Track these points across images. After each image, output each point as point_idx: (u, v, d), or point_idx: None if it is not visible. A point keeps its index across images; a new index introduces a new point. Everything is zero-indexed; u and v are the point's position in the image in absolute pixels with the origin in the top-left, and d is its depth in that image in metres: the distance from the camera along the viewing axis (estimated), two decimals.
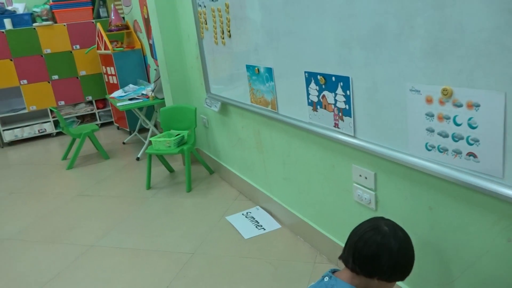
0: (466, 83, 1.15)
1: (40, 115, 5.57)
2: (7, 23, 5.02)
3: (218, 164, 3.46)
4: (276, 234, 2.47)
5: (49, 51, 5.25)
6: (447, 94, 1.21)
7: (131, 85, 4.76)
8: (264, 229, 2.52)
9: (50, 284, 2.21)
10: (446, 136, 1.26)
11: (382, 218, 1.32)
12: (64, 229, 2.85)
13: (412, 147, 1.40)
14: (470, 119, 1.17)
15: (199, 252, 2.36)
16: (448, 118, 1.24)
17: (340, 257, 1.32)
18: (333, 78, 1.70)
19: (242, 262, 2.22)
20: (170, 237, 2.57)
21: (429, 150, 1.33)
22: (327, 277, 1.32)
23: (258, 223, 2.60)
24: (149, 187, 3.41)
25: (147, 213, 2.98)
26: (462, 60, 1.15)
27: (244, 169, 2.98)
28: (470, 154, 1.20)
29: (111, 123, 5.91)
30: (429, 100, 1.29)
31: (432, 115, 1.29)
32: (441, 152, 1.29)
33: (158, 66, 3.85)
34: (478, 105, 1.14)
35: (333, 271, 1.34)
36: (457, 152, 1.24)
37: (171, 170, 3.76)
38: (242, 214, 2.75)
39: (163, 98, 3.92)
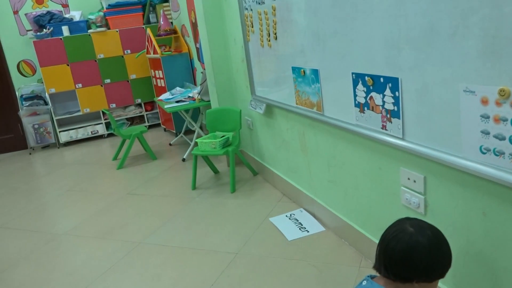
0: None
1: (93, 117, 5.84)
2: (65, 30, 5.32)
3: (262, 166, 3.48)
4: (320, 236, 2.45)
5: (102, 56, 5.51)
6: (504, 94, 1.16)
7: (178, 88, 4.90)
8: (308, 232, 2.51)
9: (102, 278, 2.31)
10: (502, 138, 1.21)
11: (407, 219, 1.27)
12: (115, 226, 2.98)
13: (466, 150, 1.35)
14: None
15: (243, 252, 2.39)
16: (505, 120, 1.19)
17: (374, 267, 1.30)
18: (382, 79, 1.67)
19: (286, 263, 2.22)
20: (215, 237, 2.62)
21: (484, 153, 1.28)
22: (365, 281, 1.30)
23: (302, 225, 2.59)
24: (194, 187, 3.49)
25: (193, 213, 3.05)
26: None
27: (288, 171, 2.98)
28: None
29: (158, 125, 6.10)
30: (484, 101, 1.24)
31: (488, 117, 1.24)
32: (497, 155, 1.24)
33: (204, 69, 3.93)
34: None
35: (373, 277, 1.32)
36: None
37: (216, 171, 3.82)
38: (286, 216, 2.75)
39: (209, 100, 4.00)
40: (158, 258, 2.46)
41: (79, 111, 5.62)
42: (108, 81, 5.62)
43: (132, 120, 6.06)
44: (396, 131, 1.66)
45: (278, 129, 2.96)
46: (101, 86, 5.61)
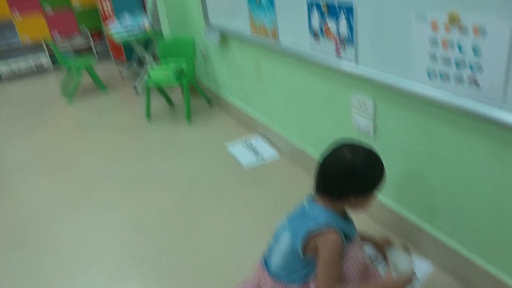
0: (475, 7, 1.13)
1: (35, 48, 5.45)
2: None
3: (217, 96, 3.45)
4: (275, 162, 2.53)
5: None
6: (453, 19, 1.19)
7: (127, 16, 4.62)
8: (263, 158, 2.58)
9: (57, 211, 2.30)
10: (449, 63, 1.25)
11: (344, 145, 1.32)
12: (68, 159, 2.91)
13: (414, 75, 1.39)
14: (474, 45, 1.16)
15: (200, 180, 2.44)
16: (453, 44, 1.22)
17: (313, 189, 1.36)
18: (336, 6, 1.65)
19: (242, 189, 2.30)
20: (171, 166, 2.64)
21: (431, 77, 1.33)
22: (306, 202, 1.37)
23: (258, 151, 2.66)
24: (149, 118, 3.43)
25: (148, 144, 3.03)
26: None
27: (243, 99, 2.99)
28: (472, 80, 1.20)
29: (108, 56, 5.81)
30: (434, 26, 1.26)
31: (437, 42, 1.27)
32: (443, 79, 1.29)
33: None
34: (484, 31, 1.12)
35: (314, 197, 1.38)
36: (459, 79, 1.24)
37: (170, 102, 3.76)
38: (242, 143, 2.80)
39: (161, 30, 3.82)
40: (115, 189, 2.46)
41: (18, 41, 5.21)
42: (49, 9, 5.18)
43: (79, 52, 5.72)
44: (350, 57, 1.68)
45: (233, 58, 2.91)
46: (41, 13, 5.17)
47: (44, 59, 5.42)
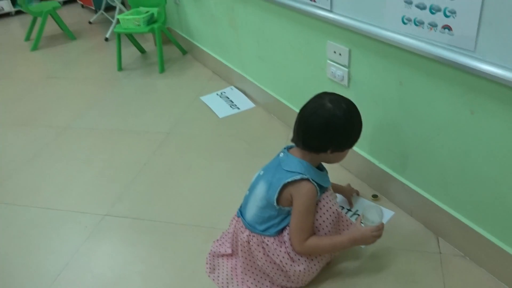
0: None
1: None
2: None
3: (191, 44, 3.34)
4: (251, 113, 2.51)
5: None
6: None
7: None
8: (239, 108, 2.55)
9: (28, 164, 2.25)
10: (423, 8, 1.22)
11: (325, 94, 1.31)
12: (36, 111, 2.81)
13: (388, 21, 1.36)
14: None
15: (175, 131, 2.41)
16: None
17: (292, 140, 1.36)
18: None
19: (218, 139, 2.29)
20: (145, 118, 2.59)
21: (405, 23, 1.30)
22: (282, 153, 1.38)
23: (233, 102, 2.62)
24: (120, 68, 3.31)
25: (120, 95, 2.94)
26: None
27: (218, 48, 2.90)
28: (446, 26, 1.18)
29: (74, 0, 5.49)
30: None
31: None
32: (417, 25, 1.27)
33: None
34: None
35: (289, 148, 1.39)
36: (433, 25, 1.22)
37: (142, 50, 3.62)
38: (217, 94, 2.75)
39: None
40: (87, 141, 2.41)
41: None
42: None
43: None
44: (324, 3, 1.62)
45: (206, 3, 2.78)
46: None
47: (5, 3, 5.08)
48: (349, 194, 1.71)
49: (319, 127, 1.26)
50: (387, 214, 1.64)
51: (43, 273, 1.57)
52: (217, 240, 1.58)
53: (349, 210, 1.69)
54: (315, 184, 1.28)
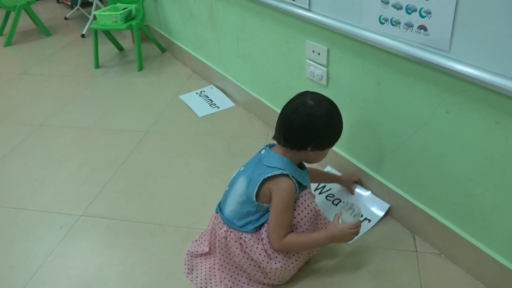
0: None
1: None
2: None
3: (170, 42, 3.30)
4: (230, 112, 2.50)
5: None
6: None
7: None
8: (218, 107, 2.53)
9: (1, 162, 2.18)
10: (400, 8, 1.23)
11: (307, 93, 1.33)
12: (10, 108, 2.73)
13: (366, 21, 1.37)
14: None
15: (154, 130, 2.38)
16: None
17: (273, 137, 1.37)
18: None
19: (197, 138, 2.27)
20: (123, 116, 2.55)
21: (382, 23, 1.32)
22: (263, 150, 1.38)
23: (212, 101, 2.60)
24: (97, 65, 3.25)
25: (98, 93, 2.89)
26: None
27: (197, 47, 2.87)
28: (421, 27, 1.19)
29: None
30: None
31: None
32: (393, 25, 1.28)
33: None
34: None
35: (272, 145, 1.40)
36: (409, 25, 1.23)
37: (120, 48, 3.57)
38: (196, 93, 2.73)
39: None
40: (64, 139, 2.35)
41: None
42: None
43: None
44: (303, 2, 1.62)
45: (185, 1, 2.75)
46: None
47: None
48: (348, 182, 1.73)
49: (300, 123, 1.27)
50: (383, 206, 1.64)
51: (16, 274, 1.52)
52: (196, 240, 1.57)
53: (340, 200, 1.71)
54: (294, 180, 1.28)
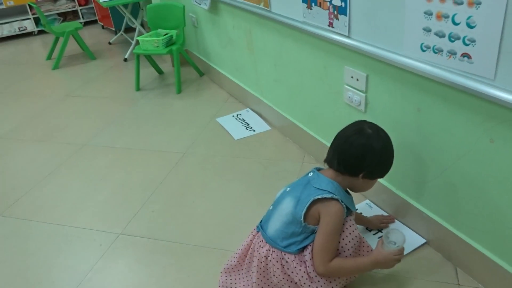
0: None
1: (18, 11, 5.27)
2: None
3: (208, 66, 3.39)
4: (266, 135, 2.52)
5: None
6: None
7: None
8: (254, 131, 2.56)
9: (46, 180, 2.28)
10: (442, 36, 1.23)
11: (365, 122, 1.36)
12: (56, 128, 2.87)
13: (407, 48, 1.37)
14: (469, 17, 1.13)
15: (191, 152, 2.43)
16: (447, 16, 1.20)
17: (325, 160, 1.37)
18: None
19: (233, 161, 2.30)
20: (162, 137, 2.62)
21: (424, 50, 1.31)
22: (311, 173, 1.38)
23: (248, 124, 2.64)
24: (138, 88, 3.37)
25: (138, 114, 2.99)
26: None
27: (234, 71, 2.94)
28: (465, 55, 1.18)
29: (95, 21, 5.65)
30: None
31: (431, 14, 1.24)
32: (435, 53, 1.27)
33: None
34: (479, 3, 1.09)
35: (319, 169, 1.40)
36: (452, 53, 1.22)
37: (160, 71, 3.69)
38: (233, 116, 2.77)
39: None
40: (104, 159, 2.44)
41: (1, 4, 5.03)
42: None
43: (65, 16, 5.55)
44: (342, 29, 1.64)
45: (224, 26, 2.84)
46: None
47: (28, 22, 5.25)
48: (376, 226, 1.69)
49: (357, 150, 1.29)
50: (418, 241, 1.61)
51: None
52: (229, 260, 1.56)
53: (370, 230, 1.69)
54: (344, 205, 1.28)
